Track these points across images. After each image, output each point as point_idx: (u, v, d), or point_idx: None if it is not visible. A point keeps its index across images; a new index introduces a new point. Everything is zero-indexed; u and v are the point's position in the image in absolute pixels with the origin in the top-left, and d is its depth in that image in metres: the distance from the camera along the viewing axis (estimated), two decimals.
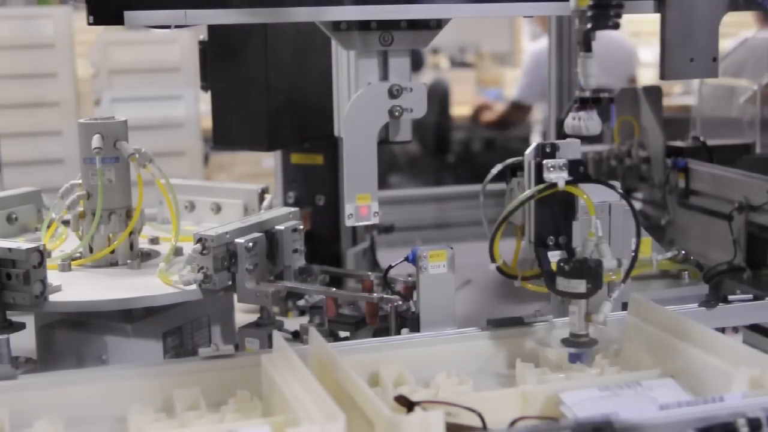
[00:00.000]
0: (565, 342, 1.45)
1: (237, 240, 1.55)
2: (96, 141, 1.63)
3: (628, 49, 4.83)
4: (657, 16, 1.57)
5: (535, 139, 4.00)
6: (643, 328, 1.46)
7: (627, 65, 4.71)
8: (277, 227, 1.65)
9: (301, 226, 1.68)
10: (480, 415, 1.24)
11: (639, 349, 1.47)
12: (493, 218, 1.60)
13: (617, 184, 1.55)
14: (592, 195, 1.56)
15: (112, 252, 1.69)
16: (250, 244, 1.55)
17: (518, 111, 5.29)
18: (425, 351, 1.48)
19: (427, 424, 1.10)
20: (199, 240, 1.53)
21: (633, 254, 1.49)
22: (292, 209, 1.74)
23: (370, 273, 1.71)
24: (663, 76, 1.56)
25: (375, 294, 1.63)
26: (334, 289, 1.71)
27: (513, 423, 1.26)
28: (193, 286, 1.54)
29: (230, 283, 1.57)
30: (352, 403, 1.21)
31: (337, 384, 1.27)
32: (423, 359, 1.47)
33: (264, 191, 1.90)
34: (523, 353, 1.50)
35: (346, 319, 1.68)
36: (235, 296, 1.61)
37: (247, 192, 1.91)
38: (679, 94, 5.42)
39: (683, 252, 1.69)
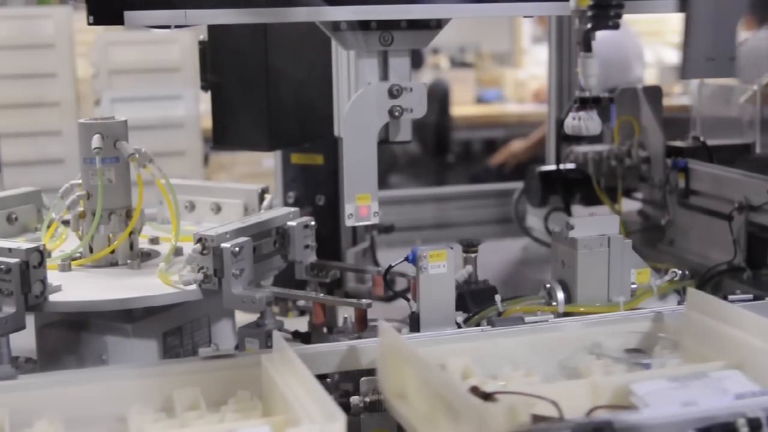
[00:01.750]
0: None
1: (223, 245, 1.53)
2: (96, 141, 1.63)
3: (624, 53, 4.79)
4: (658, 16, 1.57)
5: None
6: (703, 321, 1.46)
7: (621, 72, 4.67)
8: (289, 223, 1.67)
9: (313, 222, 1.69)
10: (557, 405, 1.24)
11: (699, 341, 1.46)
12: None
13: None
14: (591, 229, 1.58)
15: (112, 252, 1.69)
16: (237, 248, 1.53)
17: None
18: (485, 344, 1.48)
19: (514, 412, 1.12)
20: (199, 240, 1.53)
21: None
22: (292, 209, 1.74)
23: (379, 268, 1.72)
24: (683, 75, 1.56)
25: (363, 300, 1.63)
26: (322, 294, 1.71)
27: (589, 413, 1.27)
28: (193, 286, 1.54)
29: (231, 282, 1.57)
30: (433, 394, 1.22)
31: (411, 375, 1.28)
32: (483, 352, 1.46)
33: (264, 191, 1.90)
34: (581, 346, 1.50)
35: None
36: None
37: (247, 192, 1.91)
38: (680, 94, 5.41)
39: (679, 272, 1.70)
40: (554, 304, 1.61)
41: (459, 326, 1.52)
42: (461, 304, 1.61)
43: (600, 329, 1.53)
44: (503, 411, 1.11)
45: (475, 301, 1.66)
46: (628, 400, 1.28)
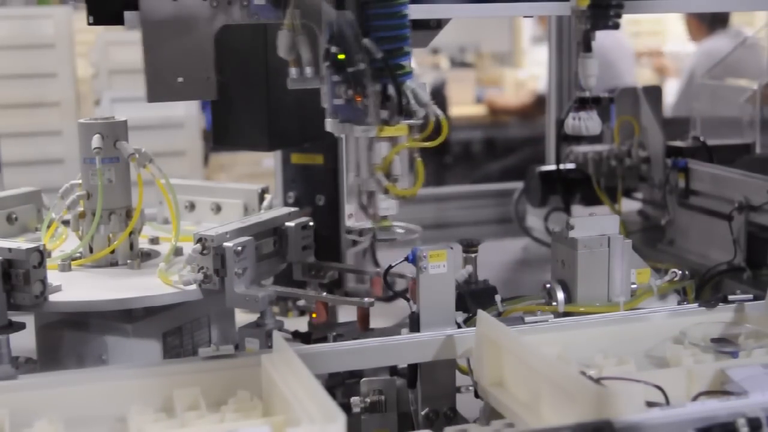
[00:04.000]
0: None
1: (225, 244, 1.53)
2: (96, 141, 1.63)
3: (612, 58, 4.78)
4: (658, 16, 1.57)
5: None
6: None
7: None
8: (287, 224, 1.66)
9: (312, 223, 1.68)
10: (663, 391, 1.26)
11: None
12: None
13: None
14: (591, 229, 1.59)
15: (112, 252, 1.69)
16: (239, 248, 1.53)
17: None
18: (573, 334, 1.50)
19: (630, 396, 1.14)
20: (199, 240, 1.53)
21: None
22: (292, 209, 1.74)
23: (378, 269, 1.71)
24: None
25: (366, 299, 1.63)
26: (324, 293, 1.71)
27: (695, 398, 1.30)
28: (193, 286, 1.54)
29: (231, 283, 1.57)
30: (541, 380, 1.25)
31: (512, 363, 1.32)
32: (572, 341, 1.48)
33: (264, 191, 1.90)
34: (667, 336, 1.52)
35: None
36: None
37: (247, 192, 1.90)
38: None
39: (679, 272, 1.70)
40: (554, 304, 1.61)
41: (459, 326, 1.52)
42: (461, 304, 1.61)
43: (684, 320, 1.54)
44: (622, 396, 1.13)
45: (475, 301, 1.65)
46: (723, 388, 1.30)
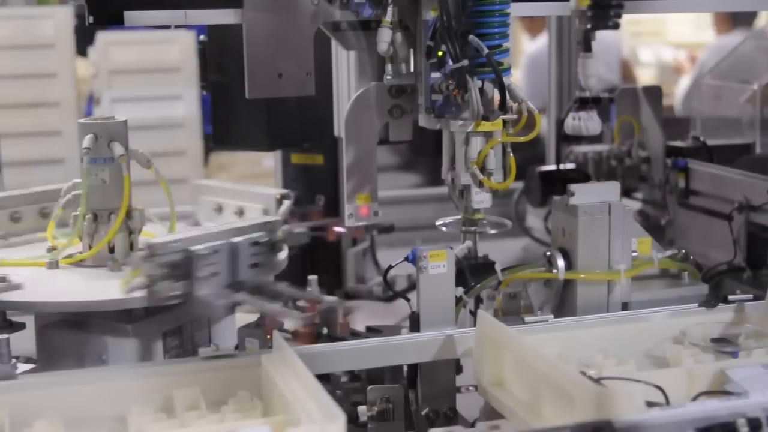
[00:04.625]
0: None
1: (193, 247, 1.47)
2: (87, 141, 1.61)
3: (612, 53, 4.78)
4: (658, 16, 1.57)
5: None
6: None
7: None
8: (235, 239, 1.51)
9: (266, 239, 1.57)
10: (663, 391, 1.26)
11: None
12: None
13: None
14: (591, 195, 1.57)
15: (112, 252, 1.68)
16: (207, 251, 1.47)
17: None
18: (573, 334, 1.50)
19: (630, 395, 1.14)
20: (147, 247, 1.46)
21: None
22: (275, 218, 1.67)
23: (327, 296, 1.67)
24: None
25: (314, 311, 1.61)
26: (279, 306, 1.65)
27: (695, 398, 1.30)
28: (139, 293, 1.50)
29: (179, 292, 1.49)
30: (540, 380, 1.25)
31: (512, 362, 1.32)
32: (572, 342, 1.48)
33: (284, 197, 1.84)
34: (667, 336, 1.52)
35: None
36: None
37: (266, 196, 1.87)
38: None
39: (683, 251, 1.69)
40: (554, 271, 1.60)
41: (460, 299, 1.51)
42: (461, 279, 1.59)
43: (684, 320, 1.54)
44: (622, 396, 1.13)
45: (474, 275, 1.63)
46: (724, 388, 1.30)
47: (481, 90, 1.40)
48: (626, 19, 1.52)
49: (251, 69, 1.46)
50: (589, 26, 1.44)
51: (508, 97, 1.40)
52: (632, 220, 1.63)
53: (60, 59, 3.96)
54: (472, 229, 1.73)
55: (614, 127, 2.49)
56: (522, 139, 1.47)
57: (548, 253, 1.62)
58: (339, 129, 1.97)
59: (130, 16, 1.40)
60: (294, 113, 2.01)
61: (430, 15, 1.43)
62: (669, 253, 1.69)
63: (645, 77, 5.71)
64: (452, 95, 1.41)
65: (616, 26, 1.48)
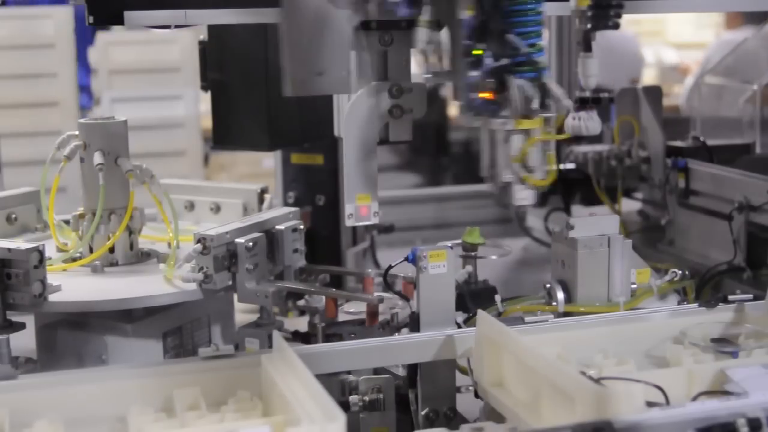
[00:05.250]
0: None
1: (237, 240, 1.55)
2: (98, 157, 1.63)
3: (633, 49, 4.81)
4: (658, 16, 1.57)
5: None
6: None
7: (631, 66, 4.69)
8: (278, 227, 1.64)
9: (302, 226, 1.68)
10: (663, 391, 1.26)
11: None
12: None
13: None
14: (591, 229, 1.60)
15: (112, 252, 1.69)
16: (251, 243, 1.55)
17: None
18: (573, 334, 1.50)
19: (630, 395, 1.15)
20: (200, 240, 1.53)
21: None
22: (292, 209, 1.74)
23: (370, 270, 1.71)
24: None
25: (375, 294, 1.64)
26: (334, 289, 1.71)
27: (695, 398, 1.30)
28: (193, 286, 1.54)
29: (230, 283, 1.57)
30: (539, 380, 1.25)
31: (511, 363, 1.32)
32: (572, 342, 1.48)
33: (263, 191, 1.89)
34: (667, 336, 1.52)
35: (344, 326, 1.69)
36: (235, 296, 1.61)
37: (246, 192, 1.90)
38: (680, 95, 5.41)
39: (679, 272, 1.71)
40: (554, 304, 1.61)
41: (459, 326, 1.52)
42: (461, 304, 1.61)
43: (684, 320, 1.54)
44: (622, 396, 1.13)
45: (475, 301, 1.66)
46: (724, 388, 1.30)
47: (519, 88, 1.40)
48: (626, 19, 1.52)
49: (290, 68, 1.47)
50: (589, 26, 1.44)
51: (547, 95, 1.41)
52: (632, 252, 1.64)
53: (60, 59, 3.97)
54: (472, 254, 1.75)
55: (614, 127, 2.49)
56: (560, 137, 1.49)
57: (548, 286, 1.64)
58: (339, 129, 1.97)
59: (130, 16, 1.40)
60: (294, 113, 2.01)
61: (466, 14, 1.43)
62: (667, 278, 1.70)
63: (645, 77, 5.72)
64: (491, 94, 1.42)
65: (616, 26, 1.47)
